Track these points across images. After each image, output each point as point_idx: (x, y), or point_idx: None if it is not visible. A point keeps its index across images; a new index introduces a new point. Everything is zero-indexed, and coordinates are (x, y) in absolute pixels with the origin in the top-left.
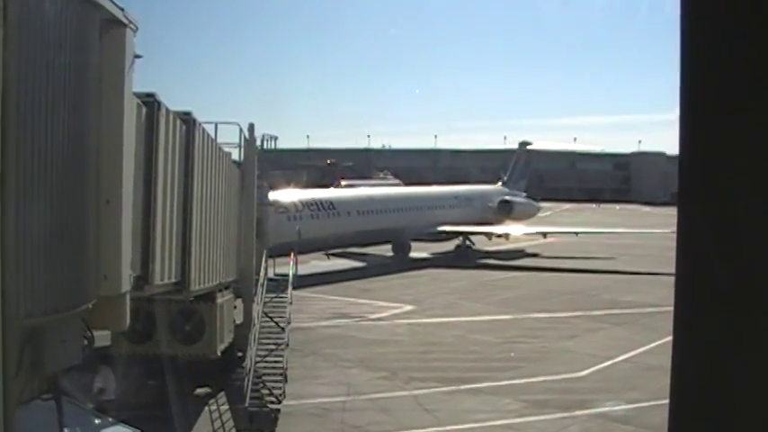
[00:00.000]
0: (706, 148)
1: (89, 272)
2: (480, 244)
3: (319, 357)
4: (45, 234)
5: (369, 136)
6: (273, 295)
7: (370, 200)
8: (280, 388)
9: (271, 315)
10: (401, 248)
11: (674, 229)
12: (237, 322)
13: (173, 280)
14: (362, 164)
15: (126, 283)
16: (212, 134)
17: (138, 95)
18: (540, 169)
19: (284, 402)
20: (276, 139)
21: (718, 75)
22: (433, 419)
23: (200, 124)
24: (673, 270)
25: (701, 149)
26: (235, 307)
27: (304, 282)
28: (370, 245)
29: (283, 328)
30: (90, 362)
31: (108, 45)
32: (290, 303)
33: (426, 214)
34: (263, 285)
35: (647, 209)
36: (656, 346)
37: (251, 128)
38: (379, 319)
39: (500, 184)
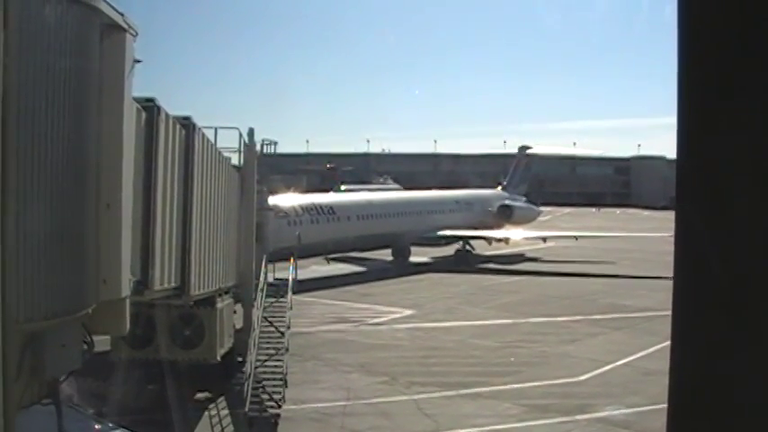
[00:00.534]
0: (704, 151)
1: (89, 276)
2: (480, 248)
3: (319, 362)
4: (45, 238)
5: (368, 140)
6: (273, 300)
7: (370, 204)
8: (280, 393)
9: (271, 320)
10: (401, 253)
11: (674, 231)
12: (237, 327)
13: (173, 285)
14: (362, 168)
15: (126, 287)
16: (212, 139)
17: (137, 100)
18: (540, 173)
19: (284, 407)
20: (276, 143)
21: (716, 78)
22: (434, 424)
23: (199, 129)
24: (672, 274)
25: (699, 152)
26: (235, 312)
27: (304, 286)
28: (370, 249)
29: (283, 333)
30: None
31: (108, 50)
32: (290, 308)
33: (426, 219)
34: (262, 290)
35: (647, 213)
36: (656, 350)
37: (250, 132)
38: (379, 323)
39: (500, 188)
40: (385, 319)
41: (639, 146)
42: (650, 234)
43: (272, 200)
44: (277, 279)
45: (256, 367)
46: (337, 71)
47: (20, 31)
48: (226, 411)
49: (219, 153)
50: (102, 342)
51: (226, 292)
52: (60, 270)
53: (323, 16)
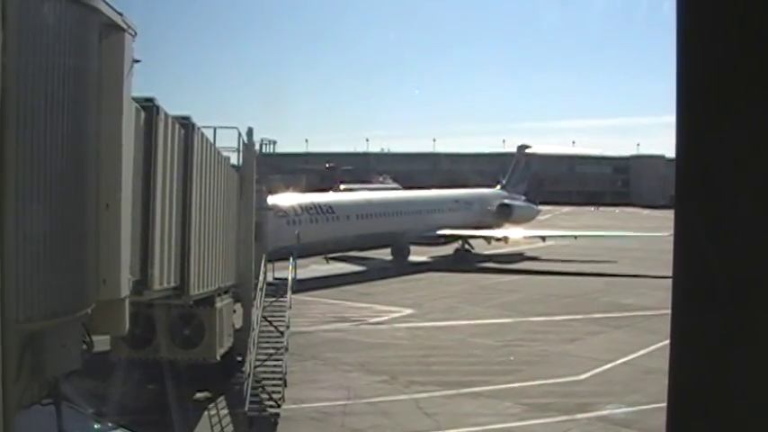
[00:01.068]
0: (703, 150)
1: (88, 276)
2: (480, 247)
3: (319, 361)
4: (45, 238)
5: (367, 140)
6: (273, 299)
7: (369, 204)
8: (279, 392)
9: (270, 319)
10: (400, 252)
11: (673, 230)
12: (237, 326)
13: (172, 284)
14: (361, 168)
15: (125, 287)
16: (211, 138)
17: (136, 100)
18: (540, 172)
19: (284, 406)
20: (275, 143)
21: (715, 76)
22: (434, 423)
23: (198, 129)
24: (671, 272)
25: (699, 151)
26: (234, 311)
27: (303, 286)
28: (370, 249)
29: (282, 333)
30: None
31: (107, 50)
32: (290, 307)
33: (425, 218)
34: (262, 290)
35: (646, 212)
36: (656, 348)
37: (249, 132)
38: (378, 322)
39: (499, 187)
40: (385, 318)
41: (639, 145)
42: (650, 233)
43: (272, 199)
44: (276, 278)
45: (256, 367)
46: (336, 70)
47: (19, 30)
48: (225, 411)
49: (218, 153)
50: (101, 342)
51: (225, 292)
52: (60, 270)
53: (321, 15)
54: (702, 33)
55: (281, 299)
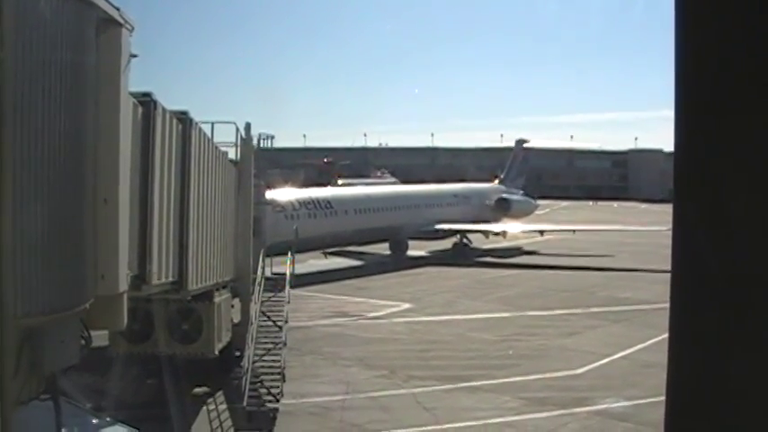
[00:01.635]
0: (702, 145)
1: (86, 271)
2: (478, 242)
3: (318, 356)
4: (42, 233)
5: (366, 134)
6: (271, 294)
7: (368, 198)
8: (278, 387)
9: (268, 314)
10: (399, 247)
11: (671, 226)
12: (235, 321)
13: (170, 279)
14: (360, 162)
15: (123, 282)
16: (209, 133)
17: (134, 95)
18: (538, 167)
19: (283, 401)
20: (273, 137)
21: (713, 71)
22: (432, 417)
23: (196, 123)
24: (670, 267)
25: (697, 147)
26: (232, 306)
27: (301, 281)
28: (368, 243)
29: (281, 327)
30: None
31: (104, 45)
32: (288, 302)
33: (424, 212)
34: (260, 284)
35: (644, 206)
36: (654, 342)
37: (247, 127)
38: (377, 317)
39: (497, 181)
40: (383, 312)
41: (637, 139)
42: (648, 227)
43: (270, 194)
44: (275, 273)
45: (254, 362)
46: (334, 65)
47: (15, 25)
48: (224, 406)
49: (216, 148)
50: (100, 337)
51: (223, 287)
52: (58, 265)
53: (319, 10)
54: (702, 28)
55: (279, 294)
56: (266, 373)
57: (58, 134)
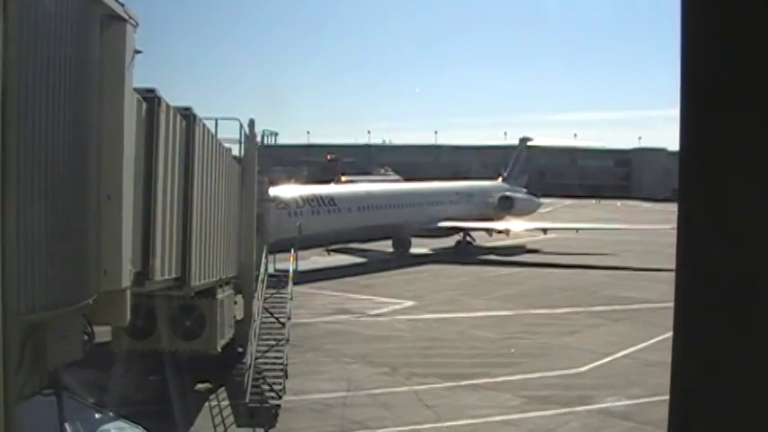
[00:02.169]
0: (707, 145)
1: (90, 267)
2: (481, 240)
3: (320, 353)
4: (46, 229)
5: (369, 132)
6: (274, 291)
7: (371, 196)
8: (280, 383)
9: (271, 311)
10: (401, 244)
11: (674, 225)
12: (238, 318)
13: (173, 276)
14: (363, 160)
15: (126, 278)
16: (213, 130)
17: (138, 91)
18: (541, 165)
19: (285, 398)
20: (276, 134)
21: (719, 71)
22: (434, 415)
23: (200, 120)
24: (673, 266)
25: (702, 147)
26: (235, 303)
27: (304, 277)
28: (371, 241)
29: (284, 324)
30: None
31: (108, 40)
32: (291, 299)
33: (427, 210)
34: (263, 281)
35: (647, 205)
36: (657, 342)
37: (251, 123)
38: (379, 314)
39: (500, 179)
40: (386, 310)
41: (640, 138)
42: (651, 226)
43: (273, 191)
44: (278, 270)
45: (257, 358)
46: (338, 62)
47: (20, 21)
48: (226, 402)
49: (220, 144)
50: (102, 333)
51: (226, 283)
52: (61, 261)
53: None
54: (707, 29)
55: (282, 290)
56: (269, 370)
57: (62, 130)
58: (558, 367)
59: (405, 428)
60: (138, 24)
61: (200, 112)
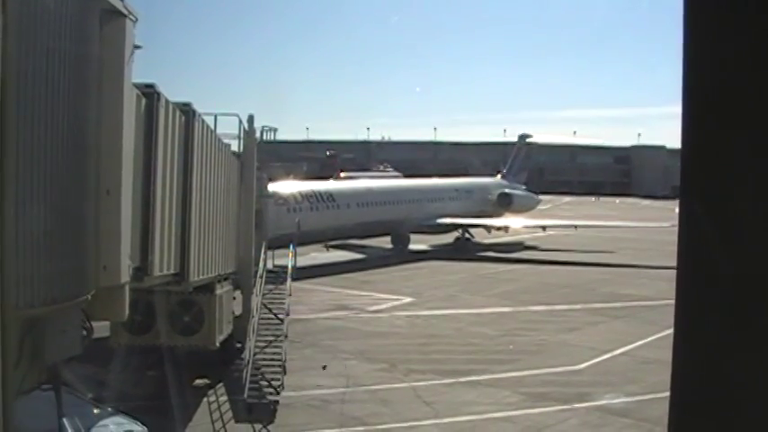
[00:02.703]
0: (709, 143)
1: (89, 262)
2: (480, 236)
3: (318, 349)
4: (45, 224)
5: (368, 128)
6: (272, 287)
7: (370, 192)
8: (278, 379)
9: (270, 307)
10: (400, 240)
11: (674, 222)
12: (236, 314)
13: (172, 271)
14: (362, 156)
15: (125, 273)
16: (212, 125)
17: (137, 86)
18: (541, 162)
19: (283, 394)
20: (276, 130)
21: (722, 69)
22: (432, 411)
23: (199, 115)
24: (672, 263)
25: (704, 145)
26: (234, 298)
27: (303, 273)
28: (370, 237)
29: (282, 320)
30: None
31: (108, 36)
32: (289, 295)
33: (426, 207)
34: (262, 277)
35: (646, 202)
36: (655, 339)
37: (250, 119)
38: (378, 311)
39: (499, 176)
40: (384, 306)
41: (640, 135)
42: (650, 223)
43: (272, 187)
44: (276, 266)
45: (255, 354)
46: (338, 58)
47: (19, 16)
48: (224, 398)
49: (219, 140)
50: (101, 328)
51: (225, 279)
52: (60, 256)
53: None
54: (710, 27)
55: (280, 286)
56: (267, 366)
57: (61, 125)
58: (557, 364)
59: (403, 425)
60: (137, 19)
61: (199, 107)
